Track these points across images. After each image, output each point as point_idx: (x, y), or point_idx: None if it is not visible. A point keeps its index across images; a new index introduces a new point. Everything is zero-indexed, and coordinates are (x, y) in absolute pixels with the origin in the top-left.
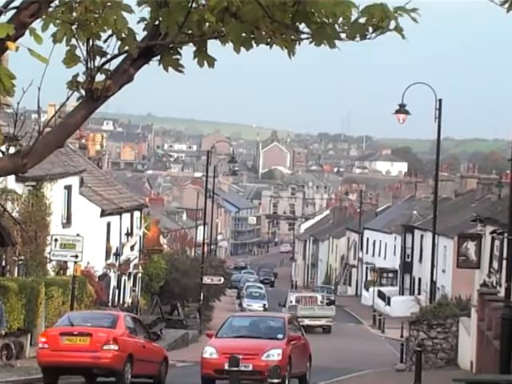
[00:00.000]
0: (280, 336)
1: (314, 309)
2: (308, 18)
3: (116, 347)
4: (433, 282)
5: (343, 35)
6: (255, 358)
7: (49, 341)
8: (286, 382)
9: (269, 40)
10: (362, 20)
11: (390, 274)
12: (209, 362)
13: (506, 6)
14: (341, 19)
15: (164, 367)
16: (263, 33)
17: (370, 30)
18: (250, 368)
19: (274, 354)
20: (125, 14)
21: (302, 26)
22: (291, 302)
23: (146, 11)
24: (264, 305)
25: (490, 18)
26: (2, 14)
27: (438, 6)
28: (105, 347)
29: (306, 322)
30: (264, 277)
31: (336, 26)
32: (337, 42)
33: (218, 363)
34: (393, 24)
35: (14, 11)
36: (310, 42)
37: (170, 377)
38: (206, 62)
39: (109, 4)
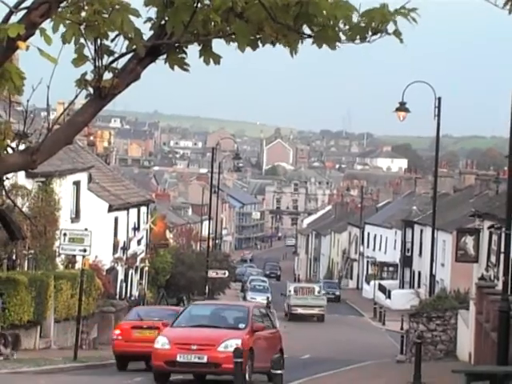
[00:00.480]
0: (241, 326)
1: (306, 298)
2: (310, 20)
3: None
4: (432, 276)
5: (343, 37)
6: (211, 348)
7: (122, 333)
8: (247, 376)
9: (273, 40)
10: (362, 23)
11: (391, 268)
12: (160, 353)
13: (508, 7)
14: (341, 22)
15: None
16: (267, 34)
17: (370, 33)
18: (205, 360)
19: (232, 345)
20: (132, 17)
21: (304, 27)
22: (290, 291)
23: (152, 11)
24: (268, 297)
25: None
26: (12, 14)
27: (437, 5)
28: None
29: (300, 310)
30: (270, 270)
31: (337, 28)
32: (337, 43)
33: (170, 354)
34: (392, 28)
35: (24, 11)
36: (312, 43)
37: None
38: (211, 60)
39: (117, 7)
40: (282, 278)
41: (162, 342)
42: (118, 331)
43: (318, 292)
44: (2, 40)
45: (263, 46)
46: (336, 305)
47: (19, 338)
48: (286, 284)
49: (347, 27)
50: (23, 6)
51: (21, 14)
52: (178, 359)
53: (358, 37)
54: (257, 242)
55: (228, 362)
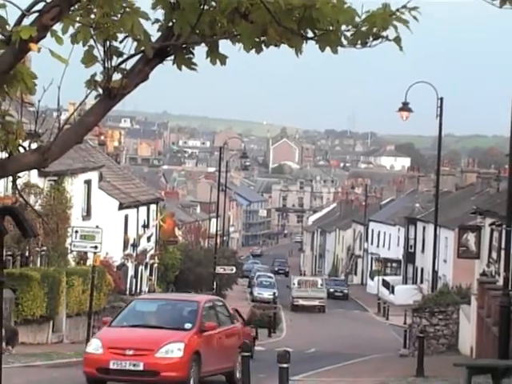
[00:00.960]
0: (188, 326)
1: (307, 291)
2: (313, 24)
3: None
4: (434, 272)
5: (345, 42)
6: (148, 354)
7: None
8: (192, 383)
9: (276, 42)
10: (364, 28)
11: (394, 264)
12: (91, 359)
13: (498, 1)
14: (344, 26)
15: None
16: (271, 36)
17: (371, 38)
18: (141, 367)
19: (174, 350)
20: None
21: (307, 31)
22: (294, 284)
23: (159, 13)
24: (274, 293)
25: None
26: (25, 17)
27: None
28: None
29: (301, 302)
30: (279, 267)
31: (339, 32)
32: (339, 47)
33: (102, 360)
34: (393, 34)
35: (36, 14)
36: (316, 44)
37: None
38: (218, 61)
39: (127, 10)
40: (290, 274)
41: (94, 346)
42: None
43: (321, 285)
44: (15, 42)
45: (267, 47)
46: (343, 301)
47: (17, 334)
48: (291, 278)
49: (349, 31)
50: (35, 9)
51: (33, 16)
52: (112, 366)
53: (359, 41)
54: (264, 239)
55: (168, 369)
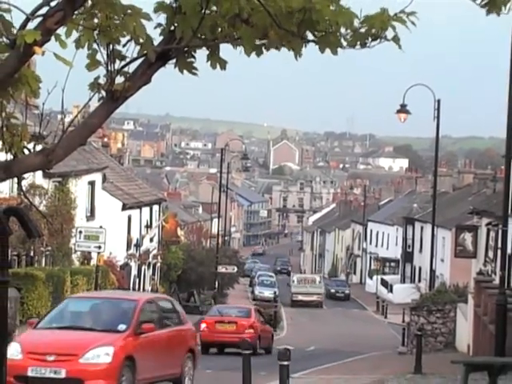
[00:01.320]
0: (122, 327)
1: (306, 287)
2: (313, 26)
3: (252, 330)
4: (432, 271)
5: (345, 43)
6: (72, 359)
7: (208, 326)
8: None
9: (277, 45)
10: (363, 29)
11: (393, 263)
12: (9, 365)
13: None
14: (343, 28)
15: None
16: (272, 39)
17: (370, 39)
18: (63, 375)
19: (101, 355)
20: (143, 21)
21: (307, 33)
22: (293, 281)
23: (162, 17)
24: (275, 292)
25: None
26: (29, 21)
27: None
28: (246, 331)
29: (300, 297)
30: (281, 266)
31: (338, 34)
32: (339, 48)
33: (20, 366)
34: (391, 34)
35: (40, 18)
36: (315, 45)
37: None
38: (218, 65)
39: (129, 11)
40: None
41: (12, 350)
42: (204, 325)
43: (319, 282)
44: (20, 46)
45: (267, 50)
46: (344, 302)
47: (10, 334)
48: (291, 275)
49: (348, 33)
50: (39, 13)
51: (37, 20)
52: (30, 373)
53: (358, 42)
54: (265, 238)
55: (94, 376)
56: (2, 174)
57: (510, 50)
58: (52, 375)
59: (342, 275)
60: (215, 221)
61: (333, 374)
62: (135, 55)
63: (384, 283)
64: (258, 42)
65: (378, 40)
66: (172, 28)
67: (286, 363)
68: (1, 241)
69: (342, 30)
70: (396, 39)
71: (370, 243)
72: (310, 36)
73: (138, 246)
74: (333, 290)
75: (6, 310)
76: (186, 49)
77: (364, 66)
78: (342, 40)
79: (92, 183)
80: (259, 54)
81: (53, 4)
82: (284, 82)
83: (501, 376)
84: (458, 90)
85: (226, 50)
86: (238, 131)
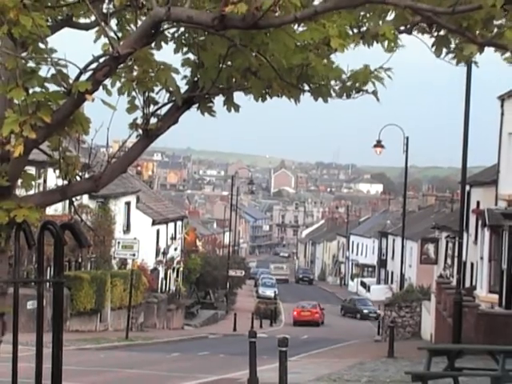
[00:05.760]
0: None
1: (278, 270)
2: (309, 79)
3: (317, 315)
4: (402, 274)
5: (334, 94)
6: None
7: (297, 312)
8: None
9: (279, 93)
10: (349, 83)
11: (370, 269)
12: None
13: (451, 59)
14: (333, 81)
15: None
16: (275, 89)
17: (354, 91)
18: None
19: None
20: (172, 74)
21: (304, 85)
22: (272, 268)
23: (187, 71)
24: (275, 291)
25: (444, 71)
26: (82, 74)
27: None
28: (316, 315)
29: (275, 277)
30: (303, 275)
31: (329, 86)
32: (329, 98)
33: None
34: (371, 88)
35: (91, 72)
36: (311, 96)
37: (206, 346)
38: (232, 108)
39: (162, 67)
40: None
41: None
42: (295, 312)
43: (285, 268)
44: (74, 94)
45: (271, 98)
46: (327, 297)
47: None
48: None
49: (338, 85)
50: (90, 67)
51: (88, 73)
52: None
53: (345, 94)
54: (267, 248)
55: None
56: (59, 196)
57: (464, 98)
58: None
59: (330, 278)
60: (227, 234)
61: (322, 358)
62: (166, 101)
63: (363, 284)
64: (264, 91)
65: (361, 92)
66: (195, 79)
67: (284, 349)
68: (59, 250)
69: (332, 83)
70: (375, 93)
71: (352, 252)
72: (306, 87)
73: (164, 254)
74: (300, 276)
75: (62, 303)
76: (206, 96)
77: (347, 107)
78: (332, 91)
79: (128, 203)
80: (264, 100)
81: (101, 60)
82: (283, 121)
83: (457, 360)
84: (423, 127)
85: (237, 96)
86: (245, 161)
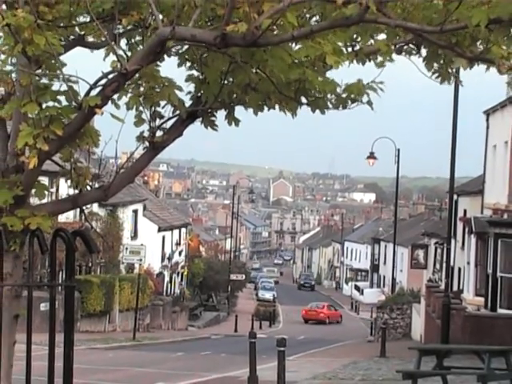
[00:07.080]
0: None
1: (270, 273)
2: (306, 92)
3: (323, 314)
4: (393, 279)
5: (330, 106)
6: None
7: (306, 312)
8: None
9: (277, 106)
10: (344, 95)
11: (363, 273)
12: None
13: (438, 78)
14: (329, 94)
15: None
16: (273, 102)
17: (349, 102)
18: None
19: None
20: (176, 91)
21: (302, 98)
22: (264, 271)
23: (191, 86)
24: (273, 294)
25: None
26: (92, 90)
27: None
28: (321, 314)
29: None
30: (304, 281)
31: (326, 98)
32: (326, 110)
33: None
34: (365, 98)
35: (100, 87)
36: (308, 107)
37: (208, 346)
38: (233, 122)
39: (166, 84)
40: (283, 280)
41: None
42: (303, 312)
43: (276, 272)
44: (85, 108)
45: (268, 110)
46: (323, 300)
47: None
48: (288, 285)
49: (333, 98)
50: (99, 83)
51: (97, 89)
52: None
53: (340, 105)
54: (266, 254)
55: None
56: (70, 205)
57: (452, 113)
58: None
59: (325, 281)
60: (228, 240)
61: (318, 357)
62: (171, 115)
63: (357, 288)
64: (261, 103)
65: (356, 103)
66: (199, 94)
67: (282, 349)
68: (70, 255)
69: (328, 95)
70: (369, 102)
71: (347, 257)
72: (304, 100)
73: (169, 259)
74: (302, 282)
75: (73, 306)
76: (209, 110)
77: (342, 121)
78: (329, 103)
79: (135, 211)
80: (262, 110)
81: (110, 76)
82: (281, 134)
83: (446, 359)
84: (414, 142)
85: (238, 110)
86: (245, 172)
